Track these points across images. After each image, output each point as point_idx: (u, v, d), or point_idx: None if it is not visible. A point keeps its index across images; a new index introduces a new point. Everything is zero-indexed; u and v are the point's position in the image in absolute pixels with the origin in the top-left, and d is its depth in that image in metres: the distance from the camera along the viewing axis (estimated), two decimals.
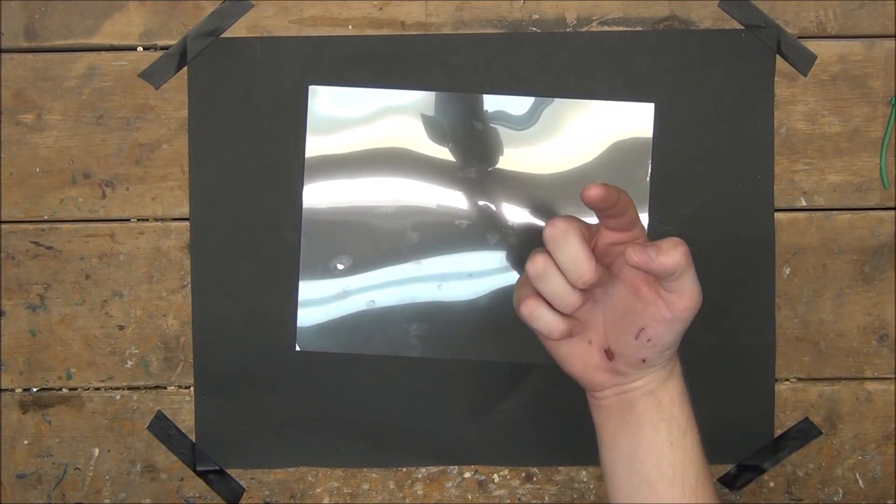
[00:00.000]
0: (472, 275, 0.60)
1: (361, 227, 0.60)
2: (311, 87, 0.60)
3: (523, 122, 0.60)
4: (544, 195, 0.60)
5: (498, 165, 0.60)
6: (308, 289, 0.61)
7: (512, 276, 0.60)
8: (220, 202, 0.61)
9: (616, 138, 0.60)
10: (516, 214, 0.60)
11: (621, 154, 0.60)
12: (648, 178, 0.60)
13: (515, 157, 0.60)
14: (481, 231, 0.60)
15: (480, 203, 0.60)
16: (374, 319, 0.61)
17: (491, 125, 0.60)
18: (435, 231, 0.60)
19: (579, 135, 0.60)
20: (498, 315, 0.60)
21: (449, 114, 0.60)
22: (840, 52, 0.60)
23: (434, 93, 0.60)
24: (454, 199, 0.60)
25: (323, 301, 0.61)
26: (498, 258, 0.60)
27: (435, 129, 0.60)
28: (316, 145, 0.60)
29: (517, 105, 0.60)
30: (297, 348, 0.61)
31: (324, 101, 0.60)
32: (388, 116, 0.60)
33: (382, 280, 0.60)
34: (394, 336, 0.61)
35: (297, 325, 0.61)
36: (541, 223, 0.60)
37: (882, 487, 0.62)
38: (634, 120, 0.60)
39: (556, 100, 0.60)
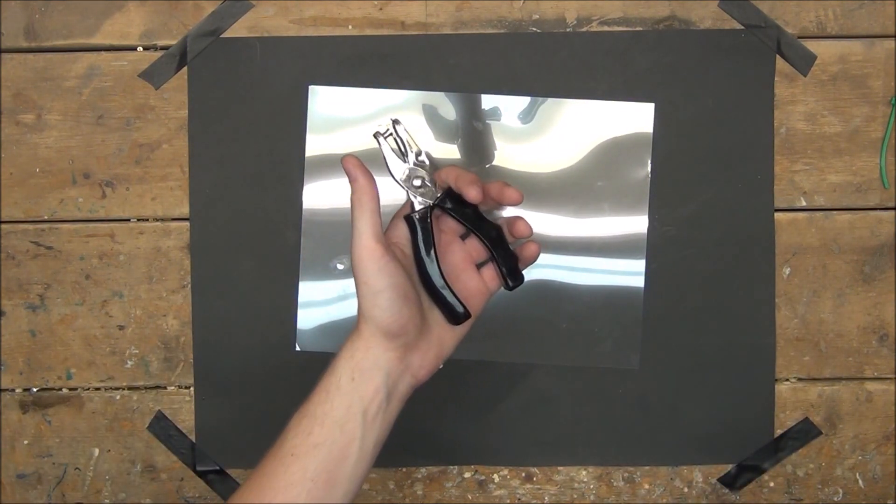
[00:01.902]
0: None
1: None
2: (311, 87, 0.60)
3: (521, 121, 0.60)
4: (542, 193, 0.60)
5: (496, 163, 0.60)
6: (308, 289, 0.61)
7: None
8: (220, 202, 0.61)
9: (616, 137, 0.60)
10: (514, 212, 0.60)
11: (621, 153, 0.60)
12: (649, 178, 0.60)
13: (514, 156, 0.60)
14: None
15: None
16: None
17: (488, 122, 0.60)
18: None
19: (578, 133, 0.60)
20: (498, 313, 0.60)
21: (449, 114, 0.60)
22: (840, 52, 0.60)
23: (433, 93, 0.60)
24: None
25: (323, 301, 0.61)
26: None
27: (442, 127, 0.60)
28: (316, 145, 0.60)
29: (515, 104, 0.60)
30: (298, 348, 0.61)
31: (324, 101, 0.60)
32: (388, 116, 0.60)
33: None
34: None
35: (297, 325, 0.61)
36: (538, 221, 0.60)
37: (882, 487, 0.62)
38: (634, 119, 0.60)
39: (555, 98, 0.60)
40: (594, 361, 0.61)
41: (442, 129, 0.60)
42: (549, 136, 0.60)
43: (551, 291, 0.60)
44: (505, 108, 0.60)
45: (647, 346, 0.61)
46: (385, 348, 0.45)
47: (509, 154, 0.60)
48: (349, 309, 0.61)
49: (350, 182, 0.46)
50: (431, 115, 0.60)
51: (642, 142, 0.60)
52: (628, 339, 0.60)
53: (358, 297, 0.46)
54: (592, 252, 0.60)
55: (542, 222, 0.60)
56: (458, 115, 0.60)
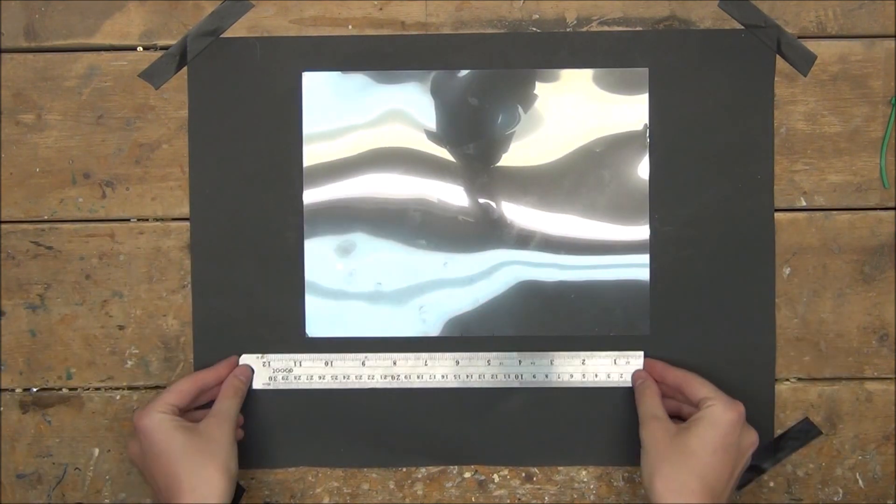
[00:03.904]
0: (477, 248, 0.60)
1: (364, 210, 0.60)
2: (305, 74, 0.60)
3: (521, 116, 0.60)
4: (538, 192, 0.60)
5: (497, 162, 0.60)
6: (314, 274, 0.61)
7: (518, 251, 0.60)
8: (220, 202, 0.61)
9: (612, 133, 0.60)
10: (515, 195, 0.60)
11: (617, 147, 0.60)
12: (648, 176, 0.60)
13: (513, 150, 0.60)
14: (482, 207, 0.60)
15: (480, 180, 0.60)
16: (382, 301, 0.61)
17: (485, 103, 0.60)
18: (436, 211, 0.60)
19: (576, 129, 0.60)
20: (505, 289, 0.60)
21: (444, 91, 0.60)
22: (840, 52, 0.60)
23: (426, 73, 0.60)
24: (453, 175, 0.60)
25: (330, 286, 0.61)
26: (500, 229, 0.60)
27: (440, 109, 0.60)
28: (315, 151, 0.60)
29: (515, 96, 0.60)
30: (307, 335, 0.61)
31: (318, 88, 0.60)
32: (390, 116, 0.60)
33: (388, 262, 0.61)
34: (403, 316, 0.61)
35: (304, 311, 0.61)
36: (537, 218, 0.60)
37: (882, 487, 0.62)
38: (631, 114, 0.60)
39: (553, 95, 0.60)
40: (604, 330, 0.60)
41: (441, 112, 0.60)
42: (545, 130, 0.60)
43: (552, 285, 0.61)
44: (505, 100, 0.60)
45: (646, 345, 0.61)
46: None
47: (508, 147, 0.60)
48: (356, 292, 0.61)
49: (233, 376, 0.59)
50: (428, 100, 0.60)
51: (638, 137, 0.60)
52: (637, 305, 0.60)
53: (217, 453, 0.54)
54: (593, 250, 0.60)
55: (542, 220, 0.60)
56: (454, 92, 0.60)
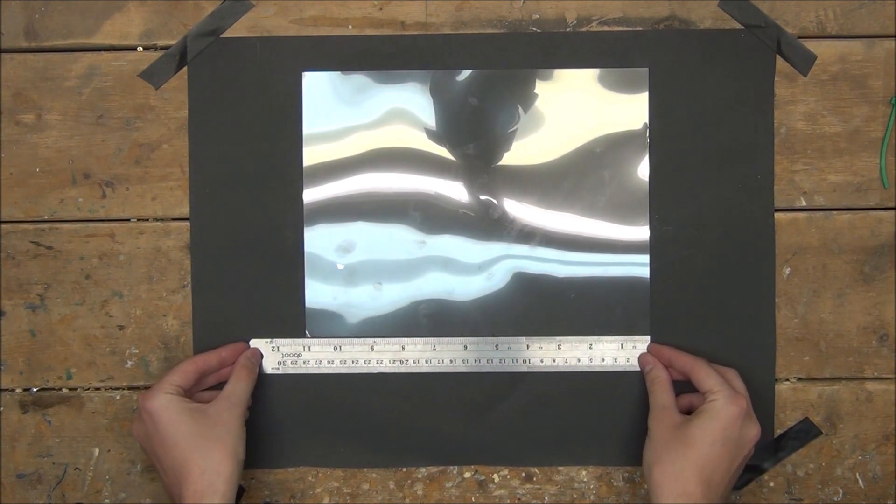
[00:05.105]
0: (477, 245, 0.60)
1: (364, 210, 0.60)
2: (305, 74, 0.60)
3: (521, 115, 0.60)
4: (541, 184, 0.60)
5: (498, 162, 0.60)
6: (314, 275, 0.61)
7: (518, 248, 0.60)
8: (220, 202, 0.61)
9: (612, 132, 0.60)
10: (514, 191, 0.60)
11: (617, 147, 0.60)
12: (648, 176, 0.60)
13: (513, 150, 0.60)
14: (483, 204, 0.60)
15: (480, 180, 0.60)
16: (382, 301, 0.61)
17: (485, 104, 0.60)
18: (436, 207, 0.60)
19: (576, 128, 0.60)
20: (505, 285, 0.60)
21: (444, 91, 0.60)
22: (840, 52, 0.60)
23: (426, 73, 0.60)
24: (453, 174, 0.60)
25: (329, 286, 0.61)
26: (501, 227, 0.60)
27: (441, 110, 0.60)
28: (315, 151, 0.60)
29: (515, 96, 0.60)
30: (307, 335, 0.61)
31: (321, 94, 0.60)
32: (390, 117, 0.60)
33: (387, 261, 0.61)
34: (402, 317, 0.61)
35: (305, 310, 0.61)
36: (537, 216, 0.60)
37: (882, 487, 0.62)
38: (631, 114, 0.60)
39: (553, 94, 0.60)
40: (604, 330, 0.60)
41: (441, 112, 0.60)
42: (545, 129, 0.60)
43: (553, 283, 0.60)
44: (504, 99, 0.60)
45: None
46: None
47: (509, 146, 0.60)
48: (356, 292, 0.61)
49: (245, 358, 0.60)
50: (428, 100, 0.60)
51: (638, 136, 0.60)
52: (638, 305, 0.60)
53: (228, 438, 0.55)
54: (594, 249, 0.60)
55: (542, 218, 0.60)
56: (454, 92, 0.60)
